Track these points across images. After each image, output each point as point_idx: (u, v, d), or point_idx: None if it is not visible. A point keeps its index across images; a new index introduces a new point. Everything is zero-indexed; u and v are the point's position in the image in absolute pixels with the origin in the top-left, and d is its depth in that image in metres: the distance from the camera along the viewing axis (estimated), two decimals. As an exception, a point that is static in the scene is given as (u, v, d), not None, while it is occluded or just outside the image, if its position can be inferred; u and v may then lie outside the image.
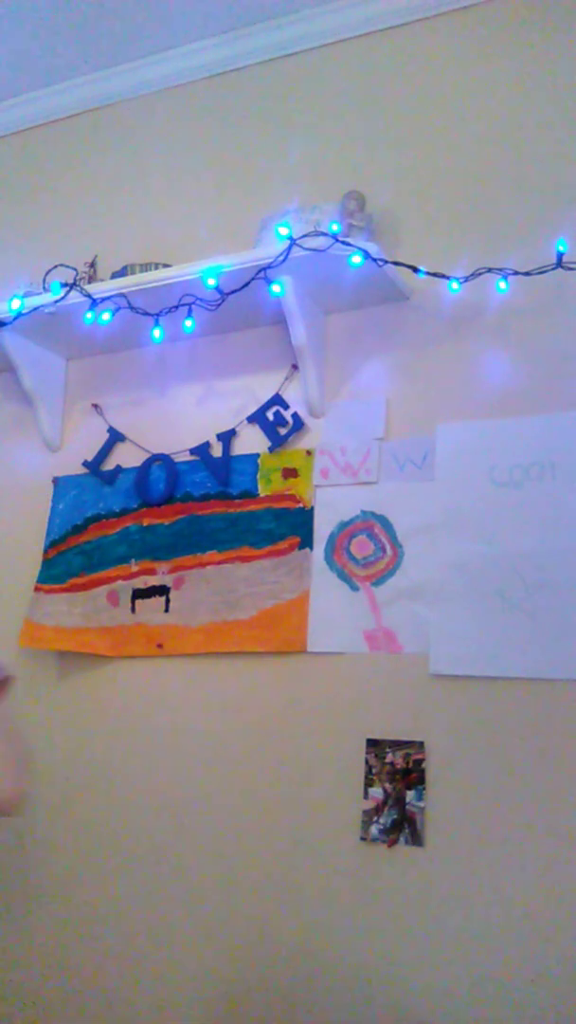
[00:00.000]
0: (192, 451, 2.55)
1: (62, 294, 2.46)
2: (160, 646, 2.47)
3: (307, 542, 2.35)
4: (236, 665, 2.38)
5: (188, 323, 2.41)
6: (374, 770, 2.16)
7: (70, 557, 2.63)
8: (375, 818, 2.14)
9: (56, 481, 2.73)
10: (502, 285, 2.20)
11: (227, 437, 2.51)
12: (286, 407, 2.45)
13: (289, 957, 2.17)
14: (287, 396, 2.46)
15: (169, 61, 2.80)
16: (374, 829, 2.13)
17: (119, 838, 2.43)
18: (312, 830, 2.21)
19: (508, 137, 2.35)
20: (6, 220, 3.04)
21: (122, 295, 2.42)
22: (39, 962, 2.46)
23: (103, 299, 2.43)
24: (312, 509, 2.37)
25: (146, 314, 2.43)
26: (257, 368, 2.51)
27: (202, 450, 2.53)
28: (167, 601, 2.49)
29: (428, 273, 2.24)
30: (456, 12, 2.47)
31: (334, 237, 2.18)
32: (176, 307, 2.40)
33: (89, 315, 2.47)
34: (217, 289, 2.31)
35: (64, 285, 2.47)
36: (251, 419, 2.49)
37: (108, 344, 2.66)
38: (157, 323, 2.44)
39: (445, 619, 2.16)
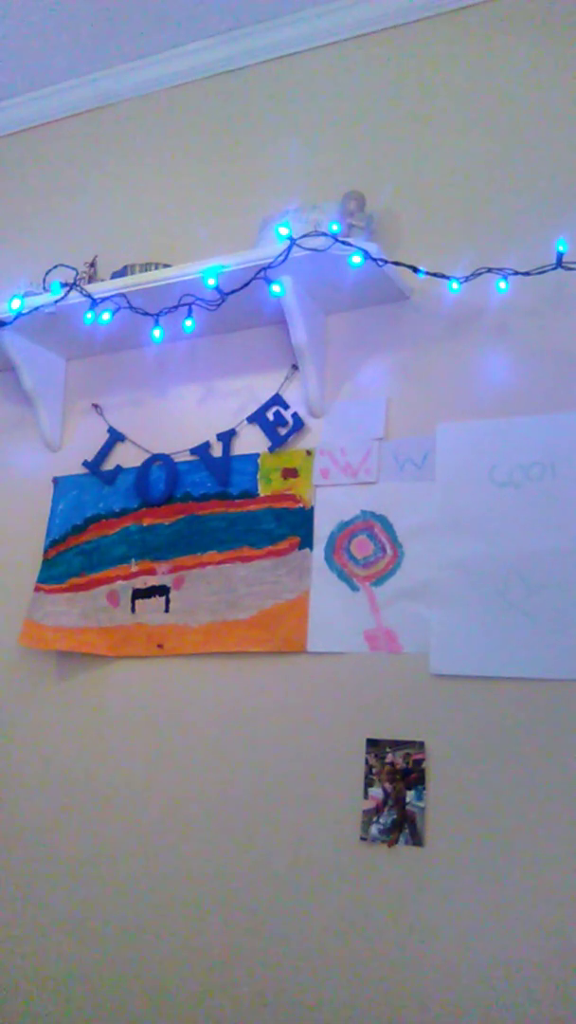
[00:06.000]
0: (192, 451, 2.55)
1: (62, 294, 2.46)
2: (160, 646, 2.47)
3: (307, 542, 2.35)
4: (236, 665, 2.38)
5: (188, 323, 2.41)
6: (374, 770, 2.16)
7: (70, 557, 2.63)
8: (375, 818, 2.14)
9: (56, 481, 2.73)
10: (502, 285, 2.21)
11: (227, 437, 2.51)
12: (286, 407, 2.45)
13: (288, 956, 2.17)
14: (287, 396, 2.46)
15: (169, 61, 2.81)
16: (374, 829, 2.13)
17: (118, 838, 2.43)
18: (312, 830, 2.21)
19: (508, 137, 2.35)
20: (6, 220, 3.04)
21: (122, 295, 2.42)
22: (38, 961, 2.47)
23: (103, 299, 2.43)
24: (312, 509, 2.37)
25: (146, 314, 2.43)
26: (257, 368, 2.51)
27: (202, 450, 2.53)
28: (167, 601, 2.49)
29: (428, 273, 2.24)
30: (456, 12, 2.47)
31: (334, 237, 2.18)
32: (176, 307, 2.40)
33: (89, 315, 2.47)
34: (217, 289, 2.31)
35: (64, 285, 2.47)
36: (251, 419, 2.49)
37: (108, 344, 2.66)
38: (157, 323, 2.44)
39: (445, 619, 2.16)
